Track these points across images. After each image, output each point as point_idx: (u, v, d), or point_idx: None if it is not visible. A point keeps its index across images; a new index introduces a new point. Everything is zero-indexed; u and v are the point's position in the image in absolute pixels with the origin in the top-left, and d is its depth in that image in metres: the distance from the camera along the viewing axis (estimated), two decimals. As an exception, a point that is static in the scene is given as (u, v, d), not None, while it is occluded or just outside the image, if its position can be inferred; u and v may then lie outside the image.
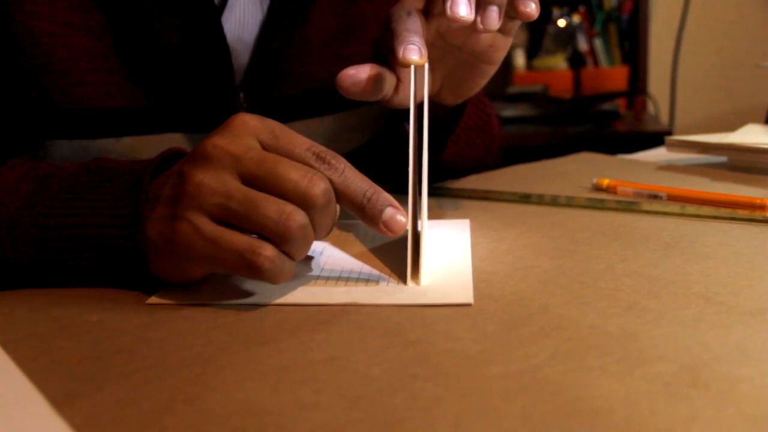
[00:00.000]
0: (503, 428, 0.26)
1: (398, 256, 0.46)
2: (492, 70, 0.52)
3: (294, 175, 0.38)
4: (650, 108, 2.13)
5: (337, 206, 0.40)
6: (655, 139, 1.25)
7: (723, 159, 0.72)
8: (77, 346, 0.35)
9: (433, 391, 0.29)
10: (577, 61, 2.17)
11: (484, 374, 0.30)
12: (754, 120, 0.89)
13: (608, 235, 0.49)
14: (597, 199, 0.58)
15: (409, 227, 0.41)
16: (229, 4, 0.55)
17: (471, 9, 0.42)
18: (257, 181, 0.38)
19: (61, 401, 0.29)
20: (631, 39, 2.17)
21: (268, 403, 0.28)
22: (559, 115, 1.97)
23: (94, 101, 0.52)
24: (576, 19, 2.20)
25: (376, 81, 0.46)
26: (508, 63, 2.20)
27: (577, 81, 2.13)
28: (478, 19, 0.43)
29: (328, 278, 0.43)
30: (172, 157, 0.44)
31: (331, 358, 0.32)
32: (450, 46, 0.50)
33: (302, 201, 0.38)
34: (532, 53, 2.26)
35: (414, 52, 0.43)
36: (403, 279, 0.42)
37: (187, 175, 0.39)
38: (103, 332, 0.36)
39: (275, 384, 0.30)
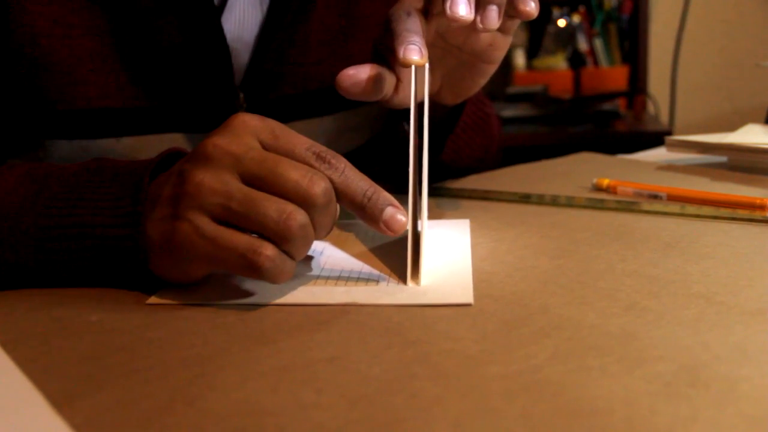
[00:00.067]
0: (503, 428, 0.26)
1: (398, 256, 0.46)
2: (492, 69, 0.52)
3: (294, 174, 0.38)
4: (650, 108, 2.13)
5: (338, 206, 0.40)
6: (655, 139, 1.25)
7: (723, 159, 0.72)
8: (77, 346, 0.35)
9: (433, 391, 0.29)
10: (577, 61, 2.17)
11: (484, 374, 0.30)
12: (754, 120, 0.89)
13: (608, 235, 0.49)
14: (597, 199, 0.58)
15: (409, 227, 0.41)
16: (228, 4, 0.55)
17: (470, 8, 0.42)
18: (257, 181, 0.38)
19: (61, 401, 0.29)
20: (631, 39, 2.17)
21: (268, 403, 0.28)
22: (559, 115, 1.97)
23: (93, 101, 0.52)
24: (576, 19, 2.20)
25: (376, 81, 0.46)
26: (508, 63, 2.20)
27: (577, 81, 2.13)
28: (478, 18, 0.43)
29: (328, 278, 0.43)
30: (172, 157, 0.44)
31: (331, 358, 0.32)
32: (450, 45, 0.50)
33: (303, 200, 0.38)
34: (532, 53, 2.26)
35: (414, 52, 0.43)
36: (403, 279, 0.42)
37: (188, 175, 0.39)
38: (103, 332, 0.36)
39: (275, 384, 0.30)
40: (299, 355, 0.33)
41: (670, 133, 1.84)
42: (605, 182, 0.62)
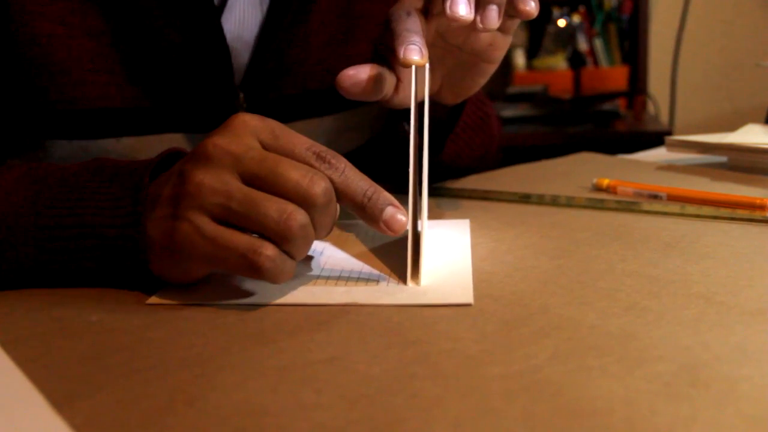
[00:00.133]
0: (503, 428, 0.26)
1: (398, 256, 0.46)
2: (492, 69, 0.52)
3: (295, 174, 0.38)
4: (650, 108, 2.13)
5: (338, 206, 0.40)
6: (655, 139, 1.26)
7: (723, 159, 0.72)
8: (77, 346, 0.35)
9: (433, 391, 0.29)
10: (577, 61, 2.17)
11: (484, 374, 0.30)
12: (754, 120, 0.89)
13: (608, 235, 0.49)
14: (597, 199, 0.58)
15: (409, 227, 0.41)
16: (228, 4, 0.55)
17: (470, 8, 0.42)
18: (258, 181, 0.38)
19: (61, 401, 0.29)
20: (631, 39, 2.17)
21: (268, 403, 0.28)
22: (559, 115, 1.97)
23: (93, 102, 0.52)
24: (576, 19, 2.20)
25: (376, 81, 0.46)
26: (508, 63, 2.20)
27: (577, 81, 2.13)
28: (478, 18, 0.43)
29: (328, 278, 0.43)
30: (172, 157, 0.44)
31: (331, 358, 0.32)
32: (450, 45, 0.50)
33: (303, 200, 0.38)
34: (532, 53, 2.26)
35: (414, 52, 0.43)
36: (403, 279, 0.42)
37: (188, 175, 0.39)
38: (103, 332, 0.36)
39: (275, 384, 0.30)
40: (299, 355, 0.33)
41: (670, 133, 1.84)
42: (605, 182, 0.62)
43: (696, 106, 2.22)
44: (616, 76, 2.17)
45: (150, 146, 0.55)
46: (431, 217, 0.56)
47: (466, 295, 0.39)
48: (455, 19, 0.42)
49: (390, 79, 0.47)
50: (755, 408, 0.26)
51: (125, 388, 0.30)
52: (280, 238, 0.37)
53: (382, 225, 0.40)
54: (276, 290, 0.41)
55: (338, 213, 0.41)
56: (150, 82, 0.54)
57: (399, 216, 0.40)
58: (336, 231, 0.52)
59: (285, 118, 0.58)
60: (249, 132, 0.40)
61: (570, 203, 0.58)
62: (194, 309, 0.39)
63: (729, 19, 2.18)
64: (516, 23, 0.48)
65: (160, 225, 0.40)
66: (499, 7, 0.44)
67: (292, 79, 0.60)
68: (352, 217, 0.41)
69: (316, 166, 0.39)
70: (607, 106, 2.01)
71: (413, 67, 0.43)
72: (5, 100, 0.52)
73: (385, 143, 0.70)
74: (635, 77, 2.13)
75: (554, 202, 0.59)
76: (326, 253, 0.48)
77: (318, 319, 0.37)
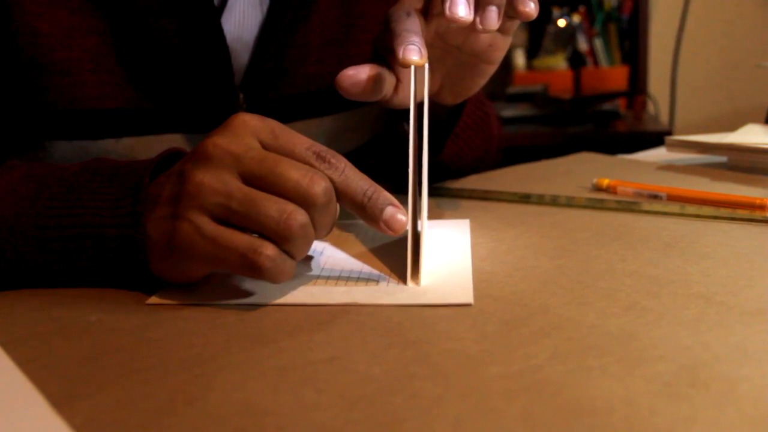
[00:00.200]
0: (503, 428, 0.26)
1: (398, 256, 0.46)
2: (491, 69, 0.52)
3: (295, 174, 0.38)
4: (650, 108, 2.13)
5: (338, 206, 0.40)
6: (655, 139, 1.26)
7: (723, 159, 0.72)
8: (77, 346, 0.35)
9: (433, 391, 0.29)
10: (577, 61, 2.17)
11: (484, 374, 0.30)
12: (754, 120, 0.89)
13: (608, 235, 0.49)
14: (597, 199, 0.58)
15: (409, 227, 0.41)
16: (228, 4, 0.55)
17: (470, 9, 0.42)
18: (258, 181, 0.38)
19: (61, 401, 0.29)
20: (631, 39, 2.17)
21: (268, 403, 0.28)
22: (559, 115, 1.97)
23: (93, 102, 0.52)
24: (576, 19, 2.21)
25: (375, 81, 0.46)
26: (508, 63, 2.20)
27: (577, 81, 2.13)
28: (477, 19, 0.43)
29: (328, 278, 0.43)
30: (172, 157, 0.44)
31: (331, 358, 0.32)
32: (449, 46, 0.50)
33: (303, 200, 0.38)
34: (532, 53, 2.26)
35: (414, 52, 0.43)
36: (403, 279, 0.42)
37: (188, 175, 0.39)
38: (103, 332, 0.36)
39: (275, 384, 0.30)
40: (299, 355, 0.33)
41: (670, 133, 1.84)
42: (605, 182, 0.62)
43: (696, 106, 2.22)
44: (616, 76, 2.17)
45: (150, 146, 0.55)
46: (431, 217, 0.56)
47: (466, 295, 0.39)
48: (454, 20, 0.42)
49: (389, 80, 0.47)
50: (755, 408, 0.26)
51: (125, 388, 0.30)
52: (280, 237, 0.37)
53: (382, 225, 0.40)
54: (276, 290, 0.41)
55: (338, 213, 0.41)
56: (150, 82, 0.54)
57: (399, 216, 0.40)
58: (336, 231, 0.52)
59: (285, 118, 0.58)
60: (249, 132, 0.40)
61: (570, 203, 0.58)
62: (194, 309, 0.39)
63: (729, 19, 2.18)
64: (516, 24, 0.48)
65: (160, 225, 0.40)
66: (499, 8, 0.44)
67: (291, 80, 0.60)
68: (352, 217, 0.41)
69: (316, 165, 0.39)
70: (607, 106, 2.01)
71: (412, 68, 0.43)
72: (5, 100, 0.52)
73: (385, 143, 0.70)
74: (635, 77, 2.13)
75: (554, 202, 0.59)
76: (326, 253, 0.48)
77: (318, 319, 0.37)
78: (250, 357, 0.33)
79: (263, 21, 0.57)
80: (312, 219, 0.38)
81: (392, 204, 0.40)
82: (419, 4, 0.46)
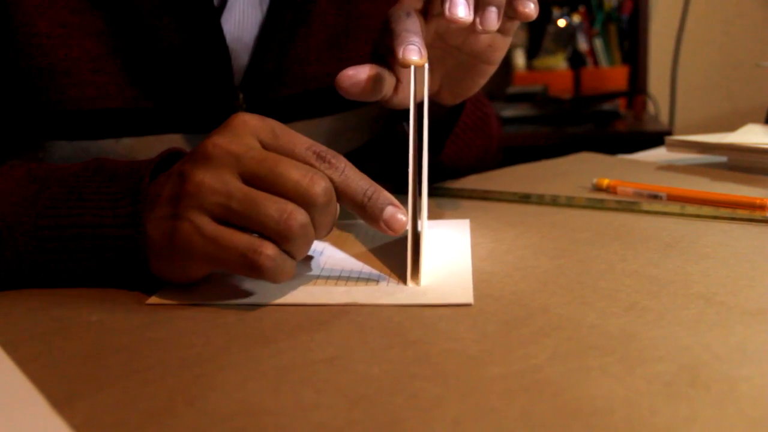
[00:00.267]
0: (503, 428, 0.26)
1: (398, 256, 0.46)
2: (491, 70, 0.52)
3: (295, 174, 0.38)
4: (650, 108, 2.13)
5: (338, 205, 0.40)
6: (655, 139, 1.26)
7: (723, 159, 0.72)
8: (77, 346, 0.35)
9: (433, 391, 0.29)
10: (577, 61, 2.17)
11: (484, 374, 0.30)
12: (754, 120, 0.89)
13: (608, 235, 0.49)
14: (597, 199, 0.58)
15: (409, 227, 0.41)
16: (228, 4, 0.55)
17: (470, 10, 0.42)
18: (258, 181, 0.38)
19: (61, 401, 0.29)
20: (631, 39, 2.17)
21: (268, 403, 0.28)
22: (559, 115, 1.97)
23: (93, 102, 0.52)
24: (576, 19, 2.20)
25: (375, 81, 0.46)
26: (508, 63, 2.20)
27: (577, 81, 2.13)
28: (477, 19, 0.43)
29: (328, 278, 0.43)
30: (172, 157, 0.44)
31: (331, 358, 0.32)
32: (449, 46, 0.50)
33: (303, 200, 0.38)
34: (532, 53, 2.26)
35: (414, 52, 0.43)
36: (403, 279, 0.42)
37: (188, 175, 0.39)
38: (103, 332, 0.36)
39: (275, 384, 0.30)
40: (299, 355, 0.33)
41: (670, 133, 1.83)
42: (605, 182, 0.62)
43: (696, 106, 2.22)
44: (616, 76, 2.17)
45: (150, 146, 0.55)
46: (431, 217, 0.56)
47: (466, 295, 0.39)
48: (454, 21, 0.42)
49: (389, 80, 0.47)
50: (755, 408, 0.26)
51: (125, 388, 0.30)
52: (281, 237, 0.37)
53: (382, 224, 0.40)
54: (276, 290, 0.41)
55: (338, 213, 0.41)
56: (150, 82, 0.54)
57: (399, 215, 0.40)
58: (336, 231, 0.52)
59: (285, 118, 0.58)
60: (249, 132, 0.40)
61: (570, 203, 0.58)
62: (194, 309, 0.39)
63: (729, 19, 2.18)
64: (515, 24, 0.48)
65: (160, 225, 0.40)
66: (499, 8, 0.44)
67: (291, 80, 0.60)
68: (352, 217, 0.41)
69: (316, 165, 0.39)
70: (607, 106, 2.01)
71: (412, 68, 0.43)
72: (5, 101, 0.52)
73: (385, 143, 0.70)
74: (635, 77, 2.13)
75: (554, 202, 0.59)
76: (326, 253, 0.48)
77: (318, 319, 0.37)
78: (250, 357, 0.33)
79: (263, 21, 0.57)
80: (312, 219, 0.38)
81: (392, 204, 0.40)
82: (419, 5, 0.46)
